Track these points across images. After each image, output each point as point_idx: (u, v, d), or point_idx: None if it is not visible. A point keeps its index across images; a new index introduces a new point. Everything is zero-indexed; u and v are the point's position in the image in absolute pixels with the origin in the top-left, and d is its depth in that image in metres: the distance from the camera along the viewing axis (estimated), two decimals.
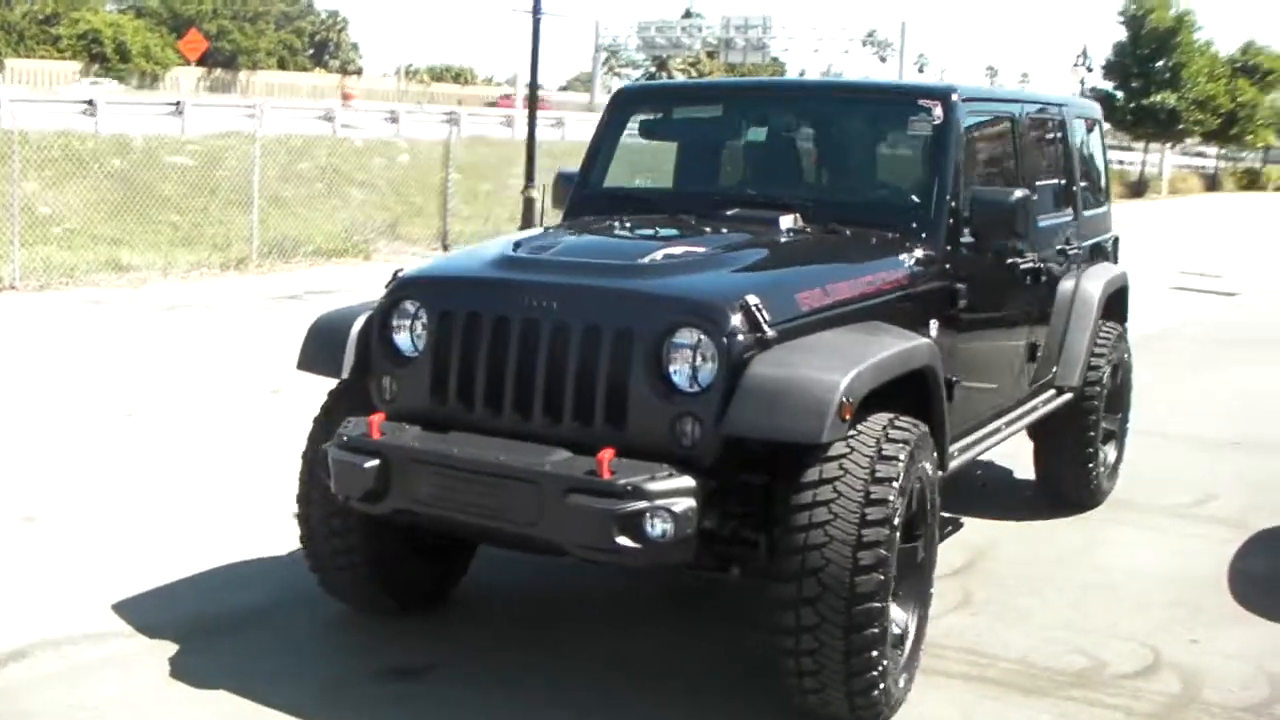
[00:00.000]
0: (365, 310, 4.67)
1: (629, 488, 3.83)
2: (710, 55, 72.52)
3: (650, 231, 5.07)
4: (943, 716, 4.43)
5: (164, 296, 13.33)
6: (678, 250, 4.55)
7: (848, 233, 5.05)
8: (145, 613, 4.99)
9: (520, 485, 3.99)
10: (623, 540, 3.83)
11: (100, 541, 5.81)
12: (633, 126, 6.00)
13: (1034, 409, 6.17)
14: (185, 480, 6.82)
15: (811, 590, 3.89)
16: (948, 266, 5.11)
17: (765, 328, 4.03)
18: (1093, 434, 6.69)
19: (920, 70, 68.18)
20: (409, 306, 4.49)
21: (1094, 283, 6.72)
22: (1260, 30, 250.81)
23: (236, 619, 5.01)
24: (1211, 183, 54.93)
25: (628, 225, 5.19)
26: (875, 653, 3.96)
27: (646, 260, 4.42)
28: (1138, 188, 45.31)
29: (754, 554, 4.13)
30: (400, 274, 4.65)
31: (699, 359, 4.01)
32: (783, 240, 4.94)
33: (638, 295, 4.19)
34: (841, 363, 4.02)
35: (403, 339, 4.49)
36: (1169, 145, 48.29)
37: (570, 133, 31.73)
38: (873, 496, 3.92)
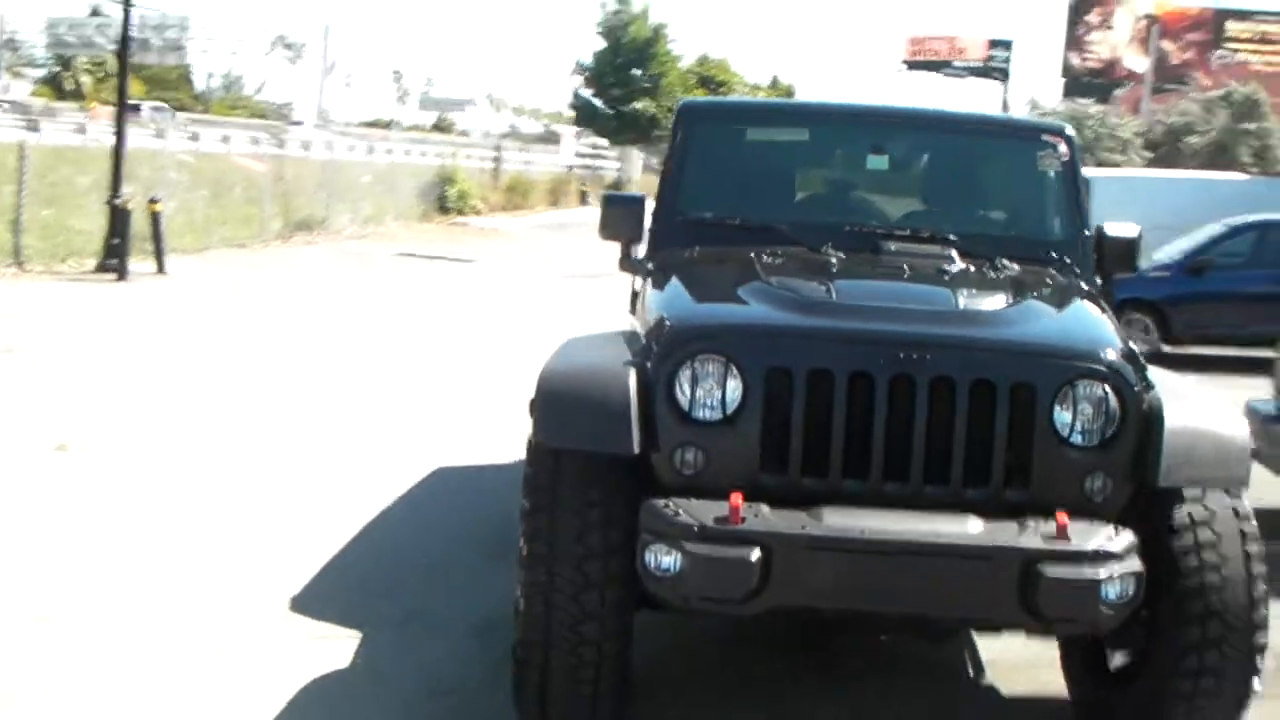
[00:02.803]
0: (614, 363, 3.94)
1: (1099, 552, 3.55)
2: (118, 55, 68.26)
3: (880, 269, 4.62)
4: None
5: None
6: (969, 293, 4.24)
7: (1016, 268, 4.84)
8: None
9: (963, 562, 3.56)
10: (1103, 609, 3.54)
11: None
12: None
13: None
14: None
15: (1216, 631, 3.80)
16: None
17: (1145, 375, 3.91)
18: None
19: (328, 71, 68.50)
20: (711, 364, 3.81)
21: None
22: (712, 44, 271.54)
23: None
24: None
25: (832, 262, 4.60)
26: (1258, 679, 3.95)
27: (967, 306, 4.10)
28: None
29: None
30: (679, 324, 3.95)
31: (1104, 410, 3.80)
32: (1022, 280, 4.65)
33: (1031, 347, 3.90)
34: (1218, 406, 4.02)
35: (707, 401, 3.80)
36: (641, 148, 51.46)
37: None
38: (1246, 532, 3.91)
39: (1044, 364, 3.82)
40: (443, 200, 28.76)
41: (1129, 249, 5.24)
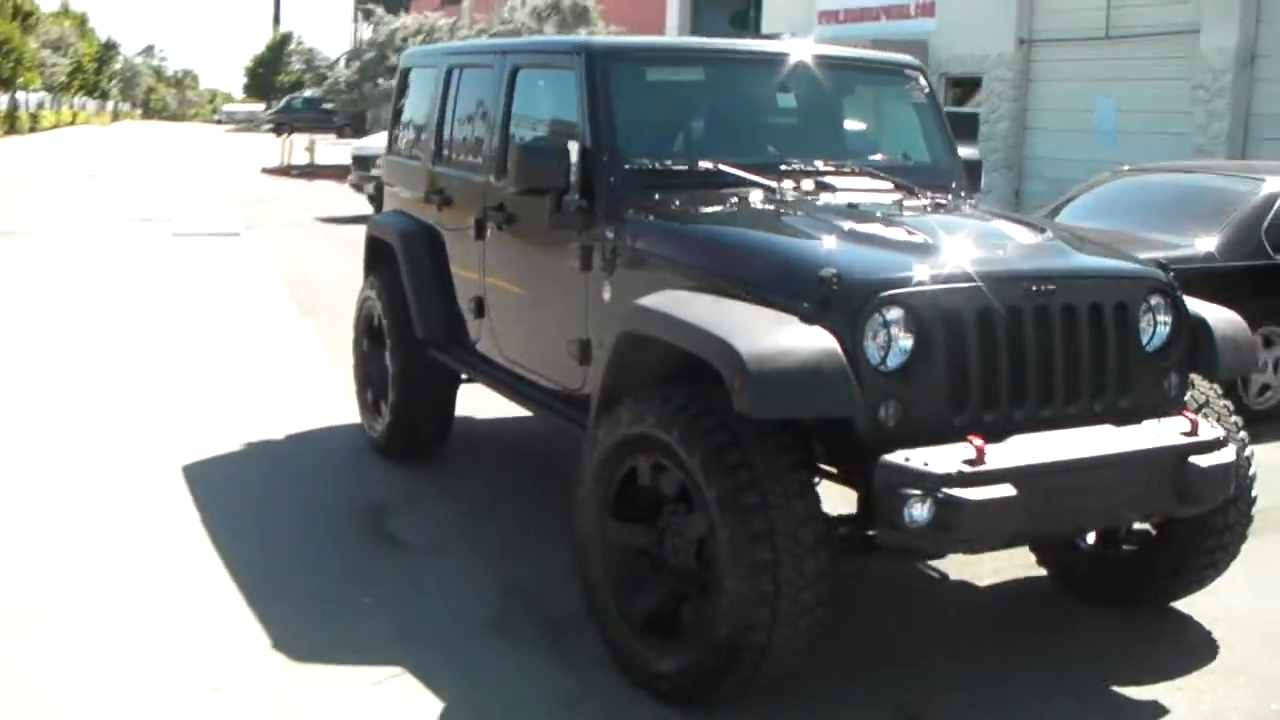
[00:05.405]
0: (795, 325, 4.05)
1: (1222, 439, 4.39)
2: None
3: (908, 209, 5.05)
4: None
5: None
6: (1014, 227, 4.85)
7: (946, 197, 5.50)
8: None
9: (1139, 466, 4.22)
10: (1230, 489, 4.42)
11: None
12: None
13: None
14: None
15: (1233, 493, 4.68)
16: None
17: None
18: None
19: None
20: (891, 315, 4.09)
21: None
22: None
23: None
24: None
25: (840, 205, 4.94)
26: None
27: (1040, 241, 4.69)
28: None
29: None
30: (852, 279, 4.10)
31: (1169, 319, 4.60)
32: (996, 211, 5.41)
33: (1119, 271, 4.63)
34: (1223, 308, 4.90)
35: (894, 353, 4.08)
36: None
37: None
38: (1229, 407, 4.96)
39: (1130, 285, 4.55)
40: None
41: (977, 171, 6.04)
